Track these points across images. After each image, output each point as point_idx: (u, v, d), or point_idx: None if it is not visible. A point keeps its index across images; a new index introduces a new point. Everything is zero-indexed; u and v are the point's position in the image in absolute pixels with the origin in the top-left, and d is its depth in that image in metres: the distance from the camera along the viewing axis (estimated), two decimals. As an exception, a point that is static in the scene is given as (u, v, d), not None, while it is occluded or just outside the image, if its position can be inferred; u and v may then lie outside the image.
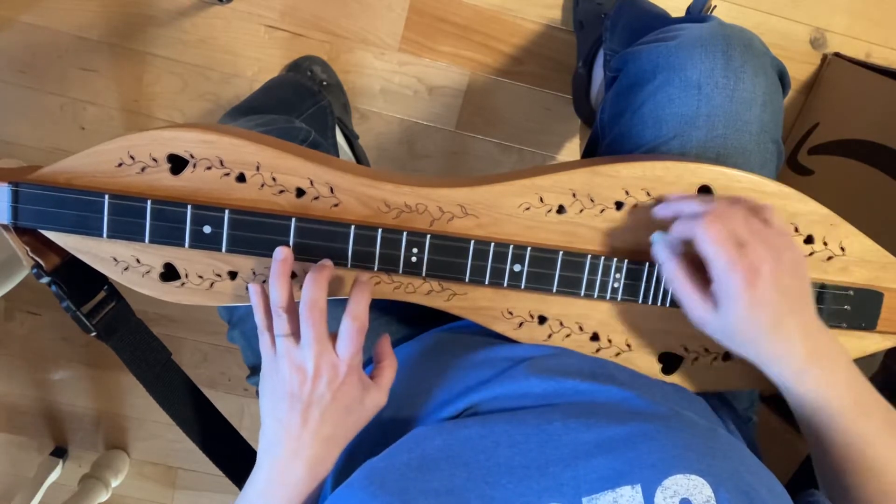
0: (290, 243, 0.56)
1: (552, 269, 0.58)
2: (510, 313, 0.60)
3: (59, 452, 1.38)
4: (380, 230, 0.56)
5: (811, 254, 0.61)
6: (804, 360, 0.52)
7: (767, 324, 0.52)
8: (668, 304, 0.60)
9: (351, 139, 1.10)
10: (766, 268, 0.50)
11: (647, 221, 0.59)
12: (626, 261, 0.59)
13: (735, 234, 0.51)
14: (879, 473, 0.51)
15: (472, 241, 0.57)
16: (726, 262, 0.50)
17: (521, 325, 0.61)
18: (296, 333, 0.51)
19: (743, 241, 0.51)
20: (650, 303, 0.60)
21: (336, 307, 0.54)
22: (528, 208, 0.58)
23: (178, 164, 0.55)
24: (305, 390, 0.51)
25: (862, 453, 0.52)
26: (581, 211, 0.58)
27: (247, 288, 0.56)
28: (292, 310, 0.52)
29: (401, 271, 0.57)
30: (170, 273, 0.57)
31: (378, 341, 0.57)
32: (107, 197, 0.53)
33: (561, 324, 0.61)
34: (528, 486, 0.45)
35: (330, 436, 0.53)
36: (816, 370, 0.52)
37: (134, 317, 0.65)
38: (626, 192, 0.58)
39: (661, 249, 0.56)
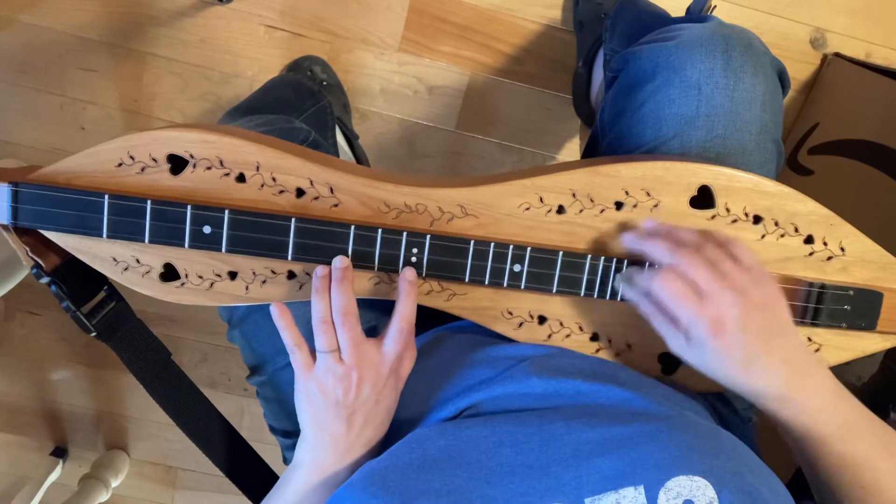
0: (290, 243, 0.56)
1: (552, 270, 0.58)
2: (510, 313, 0.60)
3: (59, 452, 1.38)
4: (380, 230, 0.56)
5: (811, 254, 0.61)
6: (784, 390, 0.52)
7: (739, 363, 0.51)
8: (668, 304, 0.60)
9: (351, 139, 1.10)
10: (732, 314, 0.50)
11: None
12: (626, 261, 0.59)
13: (695, 285, 0.51)
14: (874, 493, 0.51)
15: (472, 242, 0.57)
16: (689, 315, 0.51)
17: (521, 325, 0.61)
18: (338, 348, 0.53)
19: (706, 288, 0.50)
20: (650, 303, 0.60)
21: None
22: (528, 208, 0.58)
23: (177, 164, 0.55)
24: (350, 396, 0.52)
25: (854, 475, 0.51)
26: (581, 211, 0.58)
27: (271, 305, 0.56)
28: (331, 320, 0.53)
29: (400, 271, 0.57)
30: (170, 273, 0.57)
31: None
32: (106, 197, 0.53)
33: (561, 324, 0.61)
34: (530, 486, 0.45)
35: (372, 438, 0.55)
36: (799, 399, 0.52)
37: (134, 317, 0.65)
38: (626, 193, 0.58)
39: (630, 294, 0.56)
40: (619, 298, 0.58)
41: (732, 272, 0.51)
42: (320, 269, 0.55)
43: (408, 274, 0.56)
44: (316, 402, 0.53)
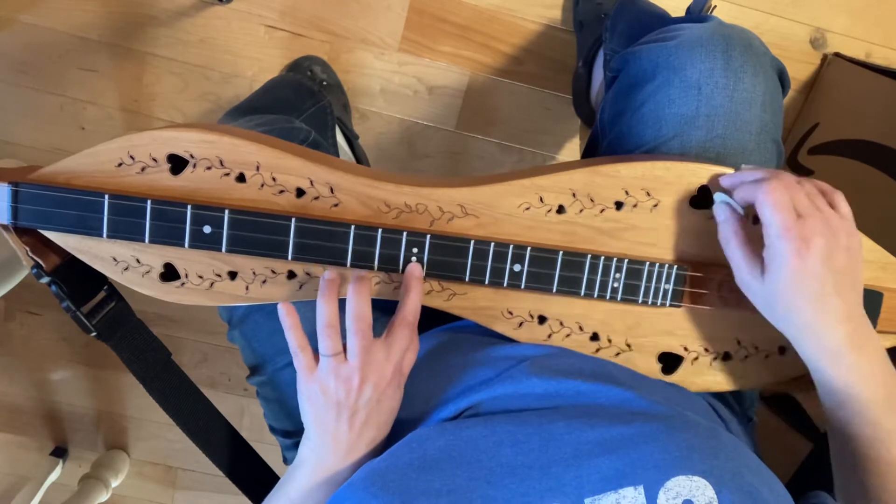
0: (290, 243, 0.56)
1: (552, 269, 0.58)
2: (510, 313, 0.60)
3: (59, 452, 1.38)
4: (380, 230, 0.56)
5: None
6: (842, 343, 0.51)
7: (811, 296, 0.51)
8: (667, 304, 0.60)
9: (351, 139, 1.10)
10: (820, 242, 0.50)
11: (648, 221, 0.59)
12: (626, 260, 0.59)
13: (797, 204, 0.51)
14: None
15: (472, 241, 0.57)
16: (781, 226, 0.50)
17: (521, 324, 0.61)
18: (343, 351, 0.53)
19: (803, 212, 0.51)
20: (650, 302, 0.60)
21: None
22: (528, 208, 0.58)
23: (178, 164, 0.55)
24: (353, 397, 0.53)
25: (888, 450, 0.51)
26: (581, 211, 0.58)
27: (277, 304, 0.56)
28: (337, 324, 0.53)
29: (401, 271, 0.57)
30: (170, 273, 0.57)
31: None
32: (106, 197, 0.53)
33: (561, 323, 0.61)
34: (530, 487, 0.45)
35: (374, 438, 0.55)
36: (853, 356, 0.51)
37: (134, 317, 0.64)
38: (626, 192, 0.58)
39: (722, 210, 0.56)
40: (713, 211, 0.57)
41: (829, 213, 0.52)
42: (328, 273, 0.55)
43: (415, 270, 0.56)
44: (318, 403, 0.54)
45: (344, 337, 0.53)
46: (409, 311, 0.55)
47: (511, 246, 0.57)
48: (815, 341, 0.52)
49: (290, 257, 0.56)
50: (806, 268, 0.50)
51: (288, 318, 0.53)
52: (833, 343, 0.52)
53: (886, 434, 0.51)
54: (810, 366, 0.54)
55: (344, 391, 0.52)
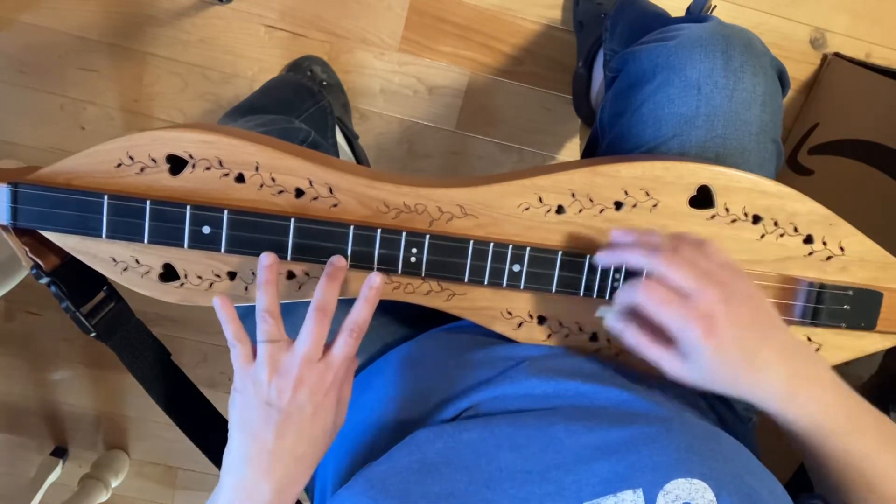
0: (289, 244, 0.55)
1: (551, 270, 0.58)
2: (509, 313, 0.60)
3: (59, 452, 1.38)
4: (379, 230, 0.56)
5: (810, 254, 0.61)
6: (787, 387, 0.50)
7: (740, 362, 0.49)
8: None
9: (351, 139, 1.10)
10: (721, 309, 0.48)
11: (647, 221, 0.59)
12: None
13: (678, 287, 0.49)
14: (880, 488, 0.50)
15: (472, 242, 0.57)
16: (678, 320, 0.49)
17: (520, 325, 0.61)
18: (283, 339, 0.50)
19: (689, 291, 0.49)
20: (650, 303, 0.60)
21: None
22: (527, 208, 0.58)
23: (177, 164, 0.55)
24: (285, 399, 0.49)
25: (860, 470, 0.50)
26: (580, 211, 0.58)
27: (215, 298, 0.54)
28: (278, 315, 0.51)
29: (400, 271, 0.57)
30: (169, 273, 0.57)
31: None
32: (106, 197, 0.53)
33: (560, 324, 0.61)
34: (529, 491, 0.45)
35: (303, 454, 0.50)
36: (802, 395, 0.50)
37: (133, 317, 0.65)
38: (626, 193, 0.58)
39: (614, 322, 0.53)
40: (605, 328, 0.55)
41: (711, 269, 0.50)
42: (265, 259, 0.52)
43: (375, 280, 0.53)
44: (248, 399, 0.50)
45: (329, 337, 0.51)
46: (357, 321, 0.51)
47: (510, 246, 0.57)
48: (762, 396, 0.51)
49: (289, 258, 0.56)
50: (722, 341, 0.48)
51: (223, 310, 0.51)
52: (778, 390, 0.50)
53: (856, 455, 0.50)
54: (771, 416, 0.53)
55: (277, 389, 0.49)
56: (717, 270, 0.50)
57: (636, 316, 0.52)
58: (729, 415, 0.66)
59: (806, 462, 0.55)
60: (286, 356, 0.50)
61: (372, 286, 0.53)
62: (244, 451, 0.50)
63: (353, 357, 0.52)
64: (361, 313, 0.52)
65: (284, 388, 0.49)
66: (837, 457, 0.51)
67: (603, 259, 0.56)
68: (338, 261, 0.54)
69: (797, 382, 0.51)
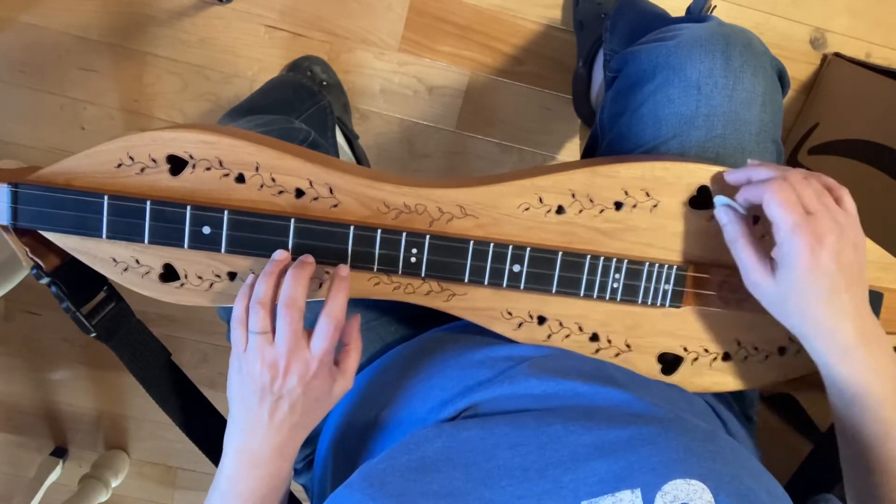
0: (290, 244, 0.56)
1: (551, 270, 0.58)
2: (509, 314, 0.60)
3: (59, 452, 1.38)
4: (379, 231, 0.56)
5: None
6: (853, 339, 0.51)
7: (823, 293, 0.51)
8: (667, 305, 0.60)
9: (351, 139, 1.10)
10: (831, 238, 0.50)
11: (647, 222, 0.59)
12: (625, 261, 0.59)
13: (804, 201, 0.51)
14: None
15: (472, 242, 0.57)
16: (792, 224, 0.50)
17: (520, 325, 0.61)
18: (271, 331, 0.51)
19: (812, 209, 0.51)
20: (649, 303, 0.60)
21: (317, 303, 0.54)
22: (527, 209, 0.58)
23: (177, 164, 0.55)
24: (276, 385, 0.51)
25: None
26: (580, 211, 0.58)
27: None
28: (271, 309, 0.52)
29: (400, 272, 0.57)
30: (169, 274, 0.57)
31: (347, 321, 0.55)
32: (106, 198, 0.53)
33: (560, 324, 0.61)
34: (527, 489, 0.45)
35: (297, 423, 0.53)
36: (863, 352, 0.51)
37: (134, 317, 0.65)
38: (626, 193, 0.58)
39: (724, 212, 0.55)
40: (713, 215, 0.57)
41: (836, 209, 0.52)
42: (278, 254, 0.54)
43: (341, 270, 0.55)
44: (244, 382, 0.52)
45: (309, 326, 0.52)
46: (330, 313, 0.52)
47: (510, 246, 0.57)
48: (826, 338, 0.52)
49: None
50: (819, 265, 0.50)
51: (245, 289, 0.53)
52: (844, 339, 0.51)
53: None
54: (820, 363, 0.53)
55: (269, 377, 0.51)
56: (839, 212, 0.52)
57: (746, 221, 0.55)
58: (729, 415, 0.66)
59: (839, 431, 0.55)
60: (271, 350, 0.51)
61: (339, 276, 0.54)
62: (245, 423, 0.54)
63: (334, 341, 0.53)
64: (334, 305, 0.53)
65: (275, 377, 0.51)
66: (878, 429, 0.51)
67: (731, 176, 0.57)
68: (306, 258, 0.55)
69: (861, 340, 0.51)
